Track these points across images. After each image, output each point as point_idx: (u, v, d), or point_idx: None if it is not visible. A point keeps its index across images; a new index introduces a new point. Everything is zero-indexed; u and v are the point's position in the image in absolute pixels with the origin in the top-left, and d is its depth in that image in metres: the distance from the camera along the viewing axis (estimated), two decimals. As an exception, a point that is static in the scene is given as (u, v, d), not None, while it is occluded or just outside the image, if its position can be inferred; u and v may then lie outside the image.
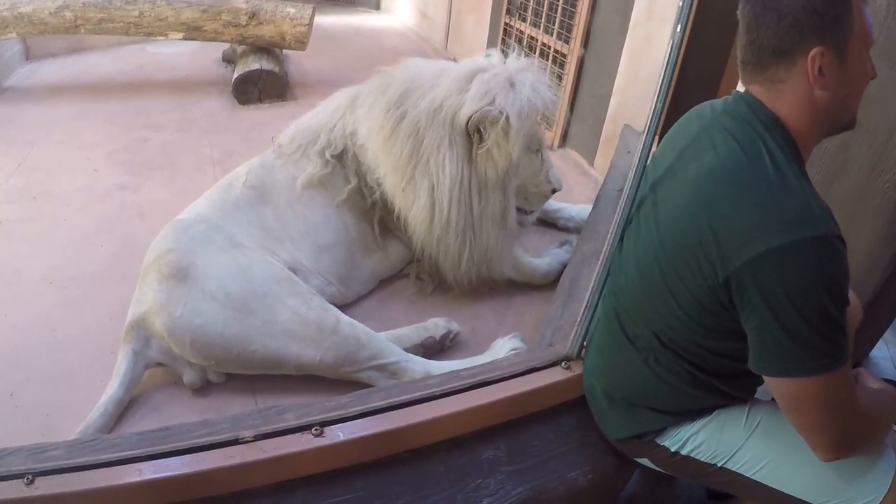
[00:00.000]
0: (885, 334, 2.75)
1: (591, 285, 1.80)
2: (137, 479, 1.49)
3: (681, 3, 1.52)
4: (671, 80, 1.52)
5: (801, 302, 1.20)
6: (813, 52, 1.27)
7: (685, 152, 1.49)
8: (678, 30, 1.50)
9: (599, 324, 1.81)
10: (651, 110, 1.56)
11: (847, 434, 1.35)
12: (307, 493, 1.60)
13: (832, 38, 1.27)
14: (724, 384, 1.53)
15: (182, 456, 1.56)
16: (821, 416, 1.32)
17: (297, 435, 1.59)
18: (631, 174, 1.62)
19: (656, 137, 1.60)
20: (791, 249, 1.19)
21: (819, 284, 1.19)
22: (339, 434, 1.60)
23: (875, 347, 2.77)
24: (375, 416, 1.66)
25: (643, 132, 1.59)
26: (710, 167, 1.37)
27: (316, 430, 1.59)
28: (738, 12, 1.37)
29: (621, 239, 1.68)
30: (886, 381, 2.49)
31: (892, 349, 2.85)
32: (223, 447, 1.57)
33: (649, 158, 1.64)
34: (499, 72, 2.60)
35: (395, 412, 1.68)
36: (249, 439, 1.58)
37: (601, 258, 1.74)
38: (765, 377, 1.34)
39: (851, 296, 1.88)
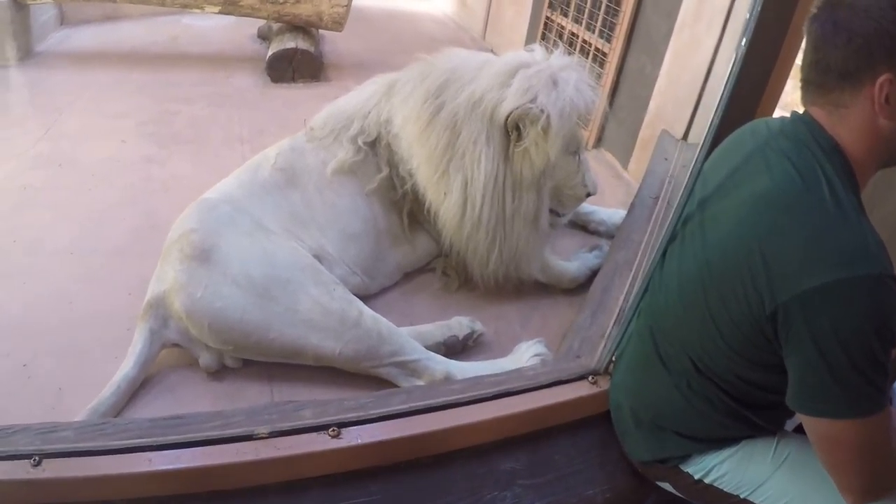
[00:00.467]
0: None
1: (624, 299, 1.74)
2: (147, 468, 1.47)
3: (747, 15, 1.46)
4: (731, 93, 1.45)
5: (850, 343, 1.15)
6: (882, 78, 1.21)
7: (737, 172, 1.44)
8: (742, 43, 1.44)
9: (632, 340, 1.75)
10: (707, 125, 1.49)
11: (879, 480, 1.30)
12: (321, 493, 1.57)
13: None
14: (756, 415, 1.49)
15: (194, 448, 1.53)
16: (854, 459, 1.27)
17: (314, 435, 1.56)
18: (667, 184, 1.56)
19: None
20: (846, 287, 1.14)
21: (871, 327, 1.14)
22: (356, 436, 1.56)
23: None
24: (395, 420, 1.63)
25: (698, 146, 1.52)
26: (765, 190, 1.32)
27: (333, 430, 1.55)
28: (804, 27, 1.31)
29: (663, 255, 1.62)
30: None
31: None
32: (237, 442, 1.54)
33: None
34: (542, 68, 2.53)
35: (415, 417, 1.65)
36: (264, 436, 1.54)
37: (635, 270, 1.68)
38: (800, 415, 1.30)
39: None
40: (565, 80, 2.52)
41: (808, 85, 1.33)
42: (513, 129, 2.48)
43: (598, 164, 4.19)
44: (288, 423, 1.57)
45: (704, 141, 1.49)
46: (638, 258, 1.67)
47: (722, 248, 1.38)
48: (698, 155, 1.50)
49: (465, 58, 2.72)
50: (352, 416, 1.59)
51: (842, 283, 1.14)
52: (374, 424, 1.60)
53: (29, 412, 1.97)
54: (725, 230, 1.39)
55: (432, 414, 1.66)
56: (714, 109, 1.46)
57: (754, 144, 1.43)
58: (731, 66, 1.43)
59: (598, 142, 4.38)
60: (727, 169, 1.47)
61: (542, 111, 2.42)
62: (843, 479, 1.31)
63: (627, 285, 1.72)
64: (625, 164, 4.06)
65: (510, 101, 2.44)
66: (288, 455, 1.51)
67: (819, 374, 1.20)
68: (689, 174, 1.50)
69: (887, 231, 2.04)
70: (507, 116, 2.44)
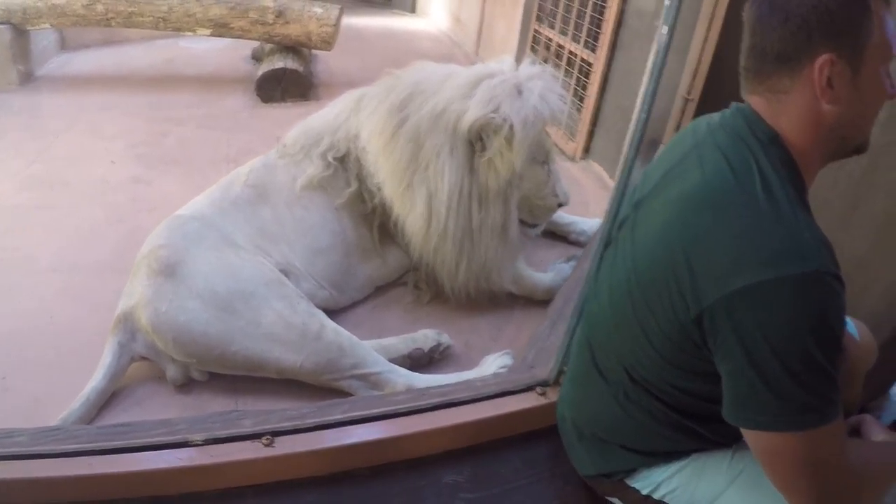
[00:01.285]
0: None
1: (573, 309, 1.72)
2: (86, 472, 1.48)
3: (667, 2, 1.38)
4: (655, 88, 1.42)
5: (782, 347, 1.05)
6: (821, 59, 1.11)
7: (672, 170, 1.34)
8: (664, 31, 1.37)
9: (575, 352, 1.69)
10: (634, 122, 1.46)
11: (830, 497, 1.18)
12: (255, 501, 1.55)
13: (845, 45, 1.11)
14: (703, 427, 1.37)
15: (133, 453, 1.54)
16: (799, 476, 1.16)
17: (248, 443, 1.55)
18: (613, 189, 1.53)
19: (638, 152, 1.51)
20: (774, 287, 1.04)
21: (804, 328, 1.04)
22: (290, 445, 1.55)
23: (896, 384, 2.64)
24: (331, 430, 1.61)
25: (627, 146, 1.50)
26: (694, 188, 1.21)
27: (266, 439, 1.55)
28: (743, 13, 1.22)
29: (600, 260, 1.56)
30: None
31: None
32: (173, 448, 1.55)
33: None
34: (507, 78, 2.54)
35: (352, 427, 1.63)
36: (199, 443, 1.55)
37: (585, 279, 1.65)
38: (740, 428, 1.19)
39: (864, 335, 1.74)
40: (530, 89, 2.52)
41: (746, 73, 1.24)
42: (476, 140, 2.49)
43: (586, 174, 4.19)
44: (225, 431, 1.58)
45: (632, 141, 1.47)
46: (589, 269, 1.64)
47: (648, 252, 1.30)
48: (627, 154, 1.48)
49: (431, 71, 2.73)
50: (287, 425, 1.59)
51: (768, 283, 1.04)
52: (310, 434, 1.59)
53: (4, 422, 1.99)
54: (652, 233, 1.30)
55: (370, 424, 1.65)
56: (639, 106, 1.43)
57: (693, 141, 1.33)
58: (653, 58, 1.39)
59: (586, 152, 4.38)
60: (663, 169, 1.38)
61: (505, 120, 2.43)
62: (791, 496, 1.20)
63: (577, 297, 1.69)
64: (612, 173, 4.03)
65: (473, 112, 2.45)
66: (221, 462, 1.51)
67: (752, 384, 1.10)
68: (618, 175, 1.48)
69: (875, 229, 2.03)
70: (470, 127, 2.45)
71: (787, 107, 1.19)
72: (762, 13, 1.16)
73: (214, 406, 2.21)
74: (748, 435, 1.18)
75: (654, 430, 1.42)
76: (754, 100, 1.25)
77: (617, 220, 1.52)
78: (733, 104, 1.32)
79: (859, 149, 1.27)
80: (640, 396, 1.40)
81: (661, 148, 1.53)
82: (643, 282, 1.30)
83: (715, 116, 1.37)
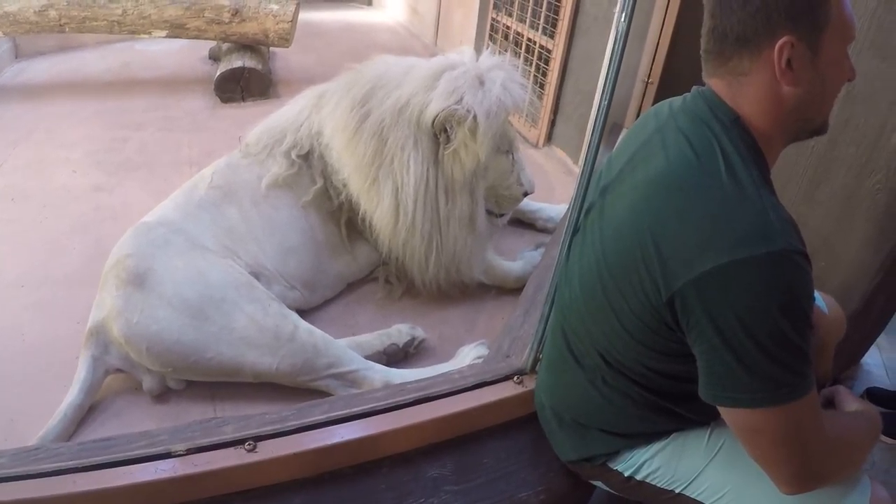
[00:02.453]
0: (878, 339, 2.67)
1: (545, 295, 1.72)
2: (70, 490, 1.45)
3: None
4: (616, 74, 1.43)
5: (753, 325, 1.07)
6: (781, 41, 1.12)
7: (636, 155, 1.35)
8: (622, 20, 1.36)
9: (549, 339, 1.70)
10: (596, 108, 1.47)
11: (810, 467, 1.20)
12: (242, 508, 1.55)
13: (804, 26, 1.12)
14: (680, 407, 1.39)
15: (116, 468, 1.51)
16: (779, 449, 1.17)
17: (231, 450, 1.54)
18: (579, 175, 1.53)
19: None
20: (742, 266, 1.06)
21: (773, 305, 1.05)
22: (273, 449, 1.54)
23: (868, 354, 2.70)
24: (313, 431, 1.60)
25: (590, 132, 1.50)
26: (658, 172, 1.23)
27: (249, 444, 1.53)
28: None
29: (569, 248, 1.56)
30: (874, 391, 2.43)
31: (886, 355, 2.76)
32: (156, 460, 1.53)
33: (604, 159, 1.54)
34: (468, 69, 2.54)
35: (334, 427, 1.62)
36: (181, 453, 1.53)
37: (556, 265, 1.66)
38: (717, 406, 1.21)
39: (833, 308, 1.77)
40: (492, 79, 2.53)
41: (706, 55, 1.24)
42: (440, 132, 2.50)
43: (549, 160, 4.21)
44: (208, 439, 1.56)
45: (595, 126, 1.47)
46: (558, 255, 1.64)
47: (616, 237, 1.30)
48: (591, 140, 1.48)
49: (392, 64, 2.72)
50: (268, 429, 1.58)
51: (737, 263, 1.06)
52: (292, 436, 1.58)
53: (-21, 443, 1.99)
54: (619, 217, 1.31)
55: (352, 423, 1.64)
56: (600, 92, 1.44)
57: (656, 125, 1.34)
58: (611, 45, 1.39)
59: (549, 139, 4.40)
60: (628, 153, 1.39)
61: (468, 112, 2.44)
62: (771, 469, 1.22)
63: (548, 283, 1.70)
64: (575, 159, 4.06)
65: (436, 104, 2.45)
66: (205, 471, 1.49)
67: (726, 362, 1.11)
68: (581, 161, 1.48)
69: (837, 205, 2.07)
70: (434, 119, 2.45)
71: (747, 89, 1.20)
72: None
73: (193, 414, 2.20)
74: (725, 413, 1.20)
75: (633, 413, 1.43)
76: (715, 82, 1.25)
77: (584, 207, 1.52)
78: (694, 87, 1.32)
79: (819, 130, 1.28)
80: (617, 380, 1.41)
81: (624, 132, 1.54)
82: (613, 267, 1.31)
83: (677, 100, 1.38)
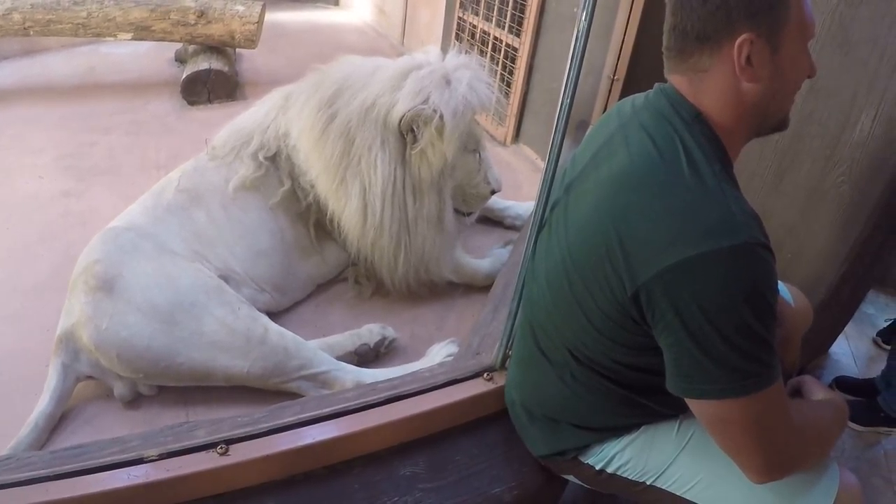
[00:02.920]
0: (845, 329, 2.72)
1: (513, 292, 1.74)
2: (43, 498, 1.45)
3: None
4: (578, 71, 1.45)
5: (718, 318, 1.09)
6: (741, 38, 1.15)
7: (600, 152, 1.37)
8: (583, 18, 1.37)
9: (518, 335, 1.72)
10: (559, 105, 1.48)
11: (778, 456, 1.23)
12: (216, 512, 1.56)
13: (764, 24, 1.15)
14: (649, 400, 1.41)
15: (89, 475, 1.51)
16: (746, 439, 1.20)
17: (203, 454, 1.54)
18: (543, 172, 1.55)
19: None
20: (706, 260, 1.08)
21: (738, 297, 1.07)
22: (245, 452, 1.55)
23: (836, 343, 2.75)
24: (285, 433, 1.61)
25: (554, 129, 1.52)
26: (621, 169, 1.25)
27: (221, 448, 1.54)
28: None
29: (535, 245, 1.59)
30: (841, 379, 2.48)
31: (853, 344, 2.81)
32: (129, 466, 1.53)
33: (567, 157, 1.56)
34: (434, 69, 2.56)
35: (305, 428, 1.63)
36: (154, 458, 1.53)
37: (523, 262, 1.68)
38: (685, 398, 1.22)
39: (799, 300, 1.80)
40: (458, 79, 2.54)
41: (668, 52, 1.27)
42: (407, 132, 2.50)
43: (517, 158, 4.23)
44: (179, 444, 1.57)
45: (557, 125, 1.49)
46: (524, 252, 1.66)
47: (581, 234, 1.33)
48: (554, 138, 1.50)
49: (358, 65, 2.73)
50: (241, 431, 1.59)
51: (702, 256, 1.07)
52: (264, 439, 1.59)
53: (-51, 456, 1.96)
54: (584, 214, 1.33)
55: (323, 423, 1.65)
56: (562, 91, 1.46)
57: (618, 122, 1.37)
58: (573, 44, 1.40)
59: (516, 137, 4.42)
60: (592, 150, 1.41)
61: (434, 111, 2.45)
62: (740, 459, 1.24)
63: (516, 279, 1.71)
64: (543, 156, 4.03)
65: (402, 104, 2.46)
66: (177, 476, 1.50)
67: (692, 355, 1.13)
68: (546, 158, 1.50)
69: (802, 197, 2.10)
70: (401, 119, 2.46)
71: (708, 85, 1.22)
72: None
73: (165, 419, 2.20)
74: (693, 404, 1.22)
75: (603, 407, 1.46)
76: (676, 79, 1.28)
77: (549, 203, 1.55)
78: (657, 84, 1.35)
79: (780, 126, 1.31)
80: (586, 375, 1.43)
81: (591, 129, 1.56)
82: (578, 263, 1.32)
83: (640, 97, 1.40)
